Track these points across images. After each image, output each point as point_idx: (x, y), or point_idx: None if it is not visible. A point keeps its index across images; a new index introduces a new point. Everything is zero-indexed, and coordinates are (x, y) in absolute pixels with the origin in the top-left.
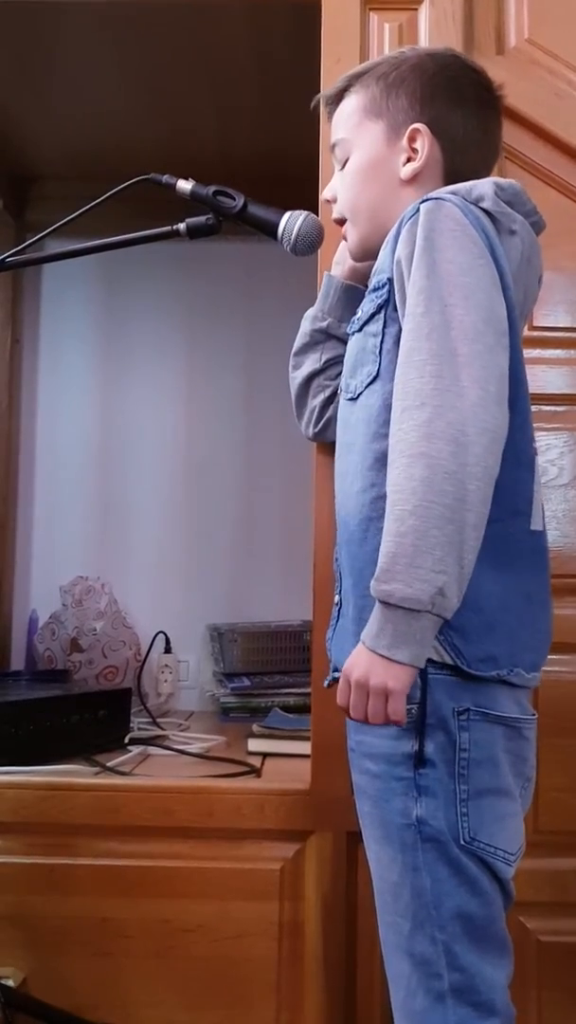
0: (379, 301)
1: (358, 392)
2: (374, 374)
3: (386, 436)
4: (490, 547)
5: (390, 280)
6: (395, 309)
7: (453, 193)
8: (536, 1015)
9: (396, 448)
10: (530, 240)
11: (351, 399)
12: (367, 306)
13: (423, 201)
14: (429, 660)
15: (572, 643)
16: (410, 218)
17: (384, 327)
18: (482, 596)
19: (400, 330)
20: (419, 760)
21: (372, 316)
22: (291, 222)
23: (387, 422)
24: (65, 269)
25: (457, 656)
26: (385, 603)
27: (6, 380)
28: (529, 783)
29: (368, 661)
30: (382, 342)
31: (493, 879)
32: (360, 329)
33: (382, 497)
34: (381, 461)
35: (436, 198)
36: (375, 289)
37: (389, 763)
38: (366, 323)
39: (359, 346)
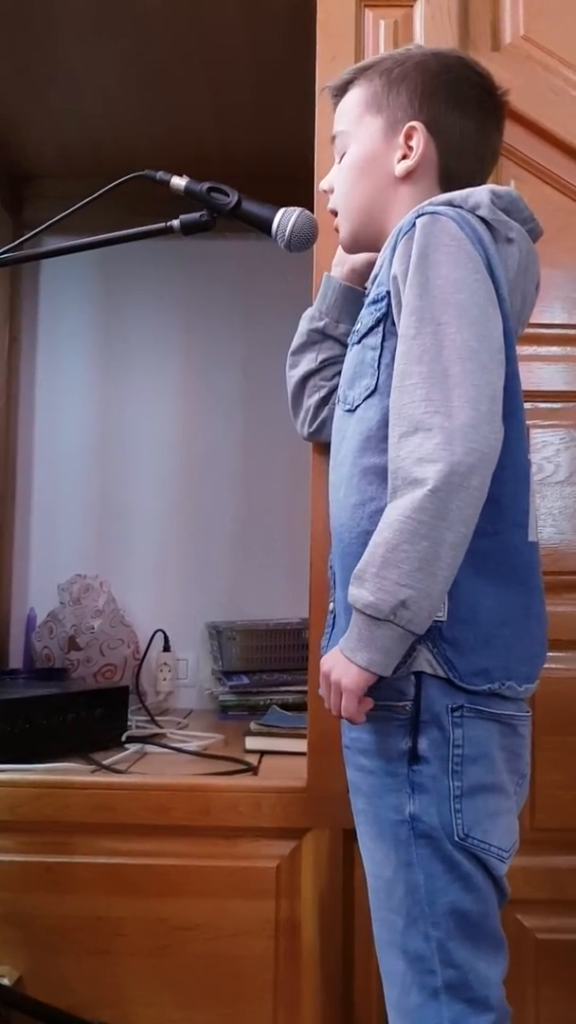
0: (378, 314)
1: (355, 404)
2: (372, 388)
3: (385, 451)
4: (490, 560)
5: (389, 293)
6: (393, 324)
7: (449, 203)
8: (533, 1012)
9: (397, 476)
10: (527, 248)
11: (348, 410)
12: (366, 318)
13: (419, 215)
14: (422, 672)
15: (569, 640)
16: (406, 232)
17: (383, 341)
18: (480, 611)
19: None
20: (413, 756)
21: (371, 329)
22: (285, 218)
23: (386, 437)
24: (63, 267)
25: (450, 669)
26: (355, 607)
27: (4, 378)
28: (524, 780)
29: (336, 658)
30: (380, 356)
31: (487, 876)
32: (359, 341)
33: (381, 511)
34: (379, 474)
35: (432, 212)
36: (374, 301)
37: (383, 759)
38: (365, 335)
39: (358, 358)
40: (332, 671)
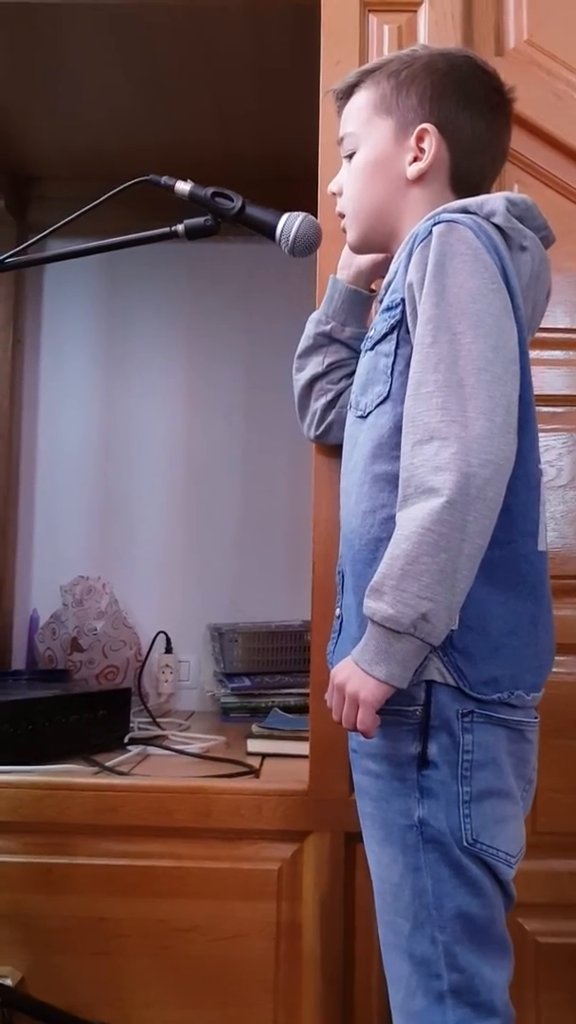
0: (392, 321)
1: (368, 411)
2: (384, 394)
3: (396, 458)
4: (500, 569)
5: (404, 301)
6: (408, 331)
7: (464, 210)
8: (534, 1016)
9: (411, 483)
10: (540, 255)
11: (360, 417)
12: (380, 325)
13: (436, 223)
14: (432, 680)
15: (570, 644)
16: (422, 240)
17: (396, 348)
18: (489, 619)
19: (412, 351)
20: (422, 761)
21: (385, 336)
22: (289, 223)
23: (397, 444)
24: (67, 270)
25: (460, 678)
26: (371, 620)
27: (8, 380)
28: (530, 785)
29: (350, 670)
30: (394, 363)
31: (494, 880)
32: (372, 348)
33: (392, 518)
34: (391, 481)
35: (449, 220)
36: (388, 308)
37: (392, 764)
38: (379, 342)
39: (371, 365)
40: (347, 683)
